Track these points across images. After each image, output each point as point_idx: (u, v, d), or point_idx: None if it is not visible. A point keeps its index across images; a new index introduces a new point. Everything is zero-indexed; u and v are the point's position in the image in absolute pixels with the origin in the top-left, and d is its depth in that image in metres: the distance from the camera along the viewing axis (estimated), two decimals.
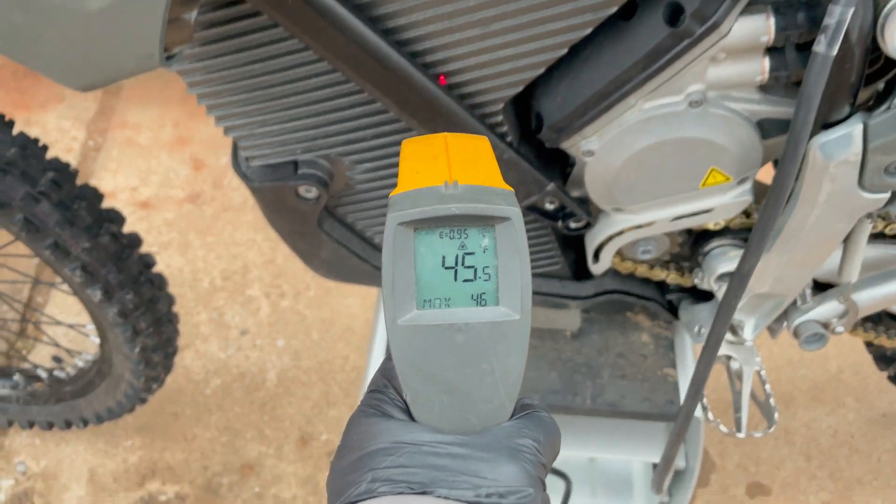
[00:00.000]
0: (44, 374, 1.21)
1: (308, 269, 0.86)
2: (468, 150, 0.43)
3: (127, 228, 0.99)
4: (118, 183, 1.70)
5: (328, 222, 0.81)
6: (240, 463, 1.33)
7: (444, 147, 0.42)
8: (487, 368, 0.40)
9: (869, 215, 0.71)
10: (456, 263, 0.39)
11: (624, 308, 0.94)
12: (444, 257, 0.39)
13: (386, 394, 0.42)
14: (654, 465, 1.03)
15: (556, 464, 1.15)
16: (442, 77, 0.66)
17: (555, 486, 1.14)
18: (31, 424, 1.26)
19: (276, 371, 1.43)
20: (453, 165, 0.41)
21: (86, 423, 1.23)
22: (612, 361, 0.92)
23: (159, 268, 1.53)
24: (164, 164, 1.73)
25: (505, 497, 0.39)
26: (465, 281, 0.39)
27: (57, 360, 1.22)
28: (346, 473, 0.40)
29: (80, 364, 1.19)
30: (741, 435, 0.78)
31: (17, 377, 1.23)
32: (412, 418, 0.41)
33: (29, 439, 1.34)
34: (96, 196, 0.94)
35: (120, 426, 1.35)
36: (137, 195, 1.68)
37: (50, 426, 1.25)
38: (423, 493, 0.39)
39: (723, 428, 0.80)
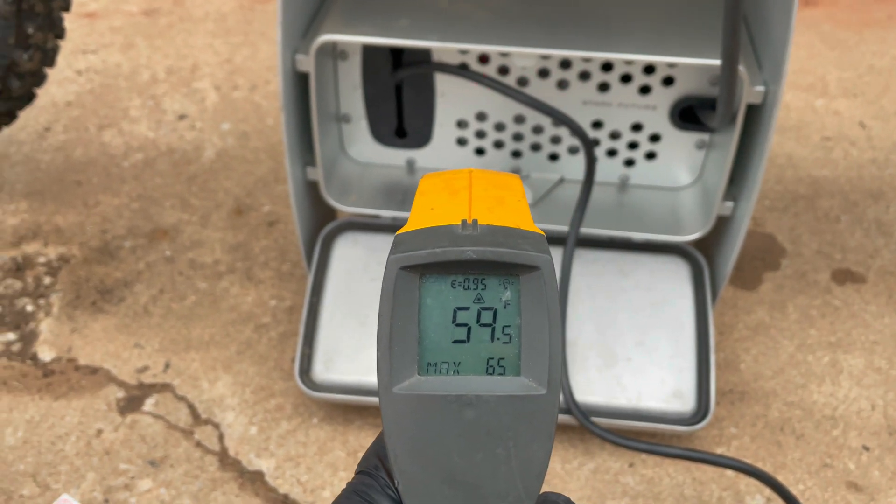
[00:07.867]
0: None
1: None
2: (496, 186, 0.37)
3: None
4: None
5: None
6: (150, 228, 1.01)
7: (467, 182, 0.37)
8: (503, 455, 0.33)
9: None
10: (469, 320, 0.33)
11: None
12: (455, 312, 0.34)
13: (376, 479, 0.36)
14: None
15: None
16: None
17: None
18: None
19: (215, 150, 1.13)
20: (475, 202, 0.35)
21: None
22: None
23: (91, 64, 1.27)
24: None
25: None
26: (480, 342, 0.34)
27: None
28: None
29: None
30: None
31: None
32: None
33: None
34: None
35: (5, 191, 1.05)
36: (83, 9, 1.44)
37: None
38: None
39: None
